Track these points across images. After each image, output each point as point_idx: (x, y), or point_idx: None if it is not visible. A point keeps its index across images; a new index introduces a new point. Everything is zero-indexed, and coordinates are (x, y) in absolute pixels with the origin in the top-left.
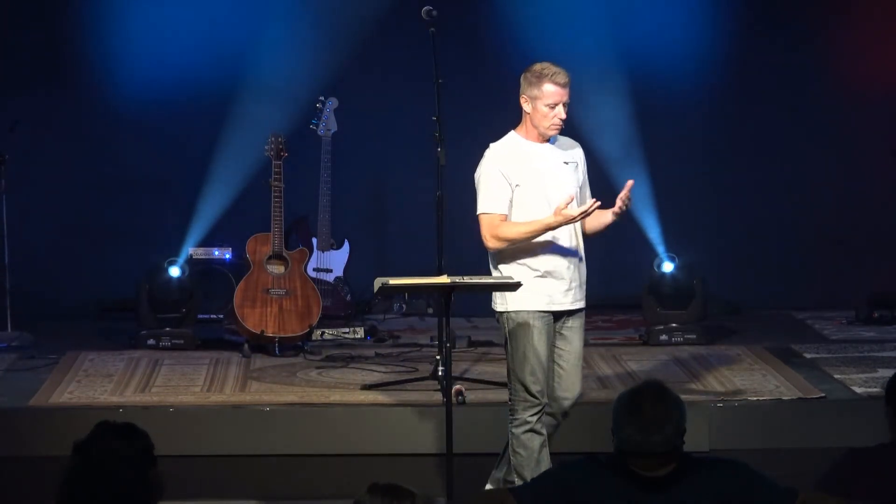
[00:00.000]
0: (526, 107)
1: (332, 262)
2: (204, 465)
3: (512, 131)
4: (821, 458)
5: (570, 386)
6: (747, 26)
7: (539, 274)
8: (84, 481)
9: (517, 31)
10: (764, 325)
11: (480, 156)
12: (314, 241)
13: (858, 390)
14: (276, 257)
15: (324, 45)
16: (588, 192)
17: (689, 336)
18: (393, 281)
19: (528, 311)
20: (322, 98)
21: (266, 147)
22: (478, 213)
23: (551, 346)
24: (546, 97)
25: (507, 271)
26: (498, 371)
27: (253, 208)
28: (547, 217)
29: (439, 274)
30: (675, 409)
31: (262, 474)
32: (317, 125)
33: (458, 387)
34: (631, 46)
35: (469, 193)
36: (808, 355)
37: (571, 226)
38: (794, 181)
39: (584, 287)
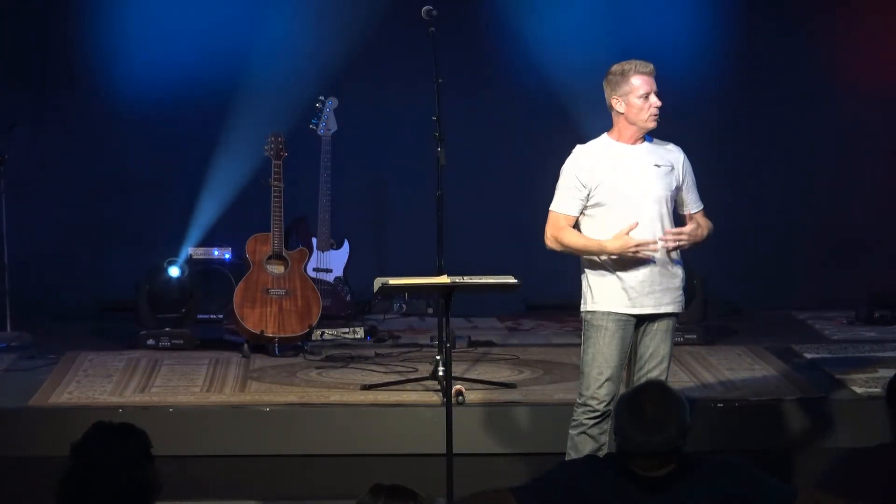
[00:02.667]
0: (619, 107)
1: (332, 262)
2: (204, 465)
3: (605, 133)
4: (821, 458)
5: None
6: (747, 27)
7: (618, 276)
8: (82, 481)
9: (517, 30)
10: (764, 325)
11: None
12: (314, 241)
13: (858, 390)
14: (276, 257)
15: (324, 45)
16: (692, 196)
17: (689, 336)
18: (393, 281)
19: (602, 313)
20: (322, 98)
21: (266, 147)
22: (550, 207)
23: (624, 352)
24: (637, 89)
25: (589, 268)
26: (498, 371)
27: (253, 208)
28: (606, 240)
29: (439, 274)
30: (677, 408)
31: (262, 474)
32: (317, 125)
33: (458, 387)
34: (630, 46)
35: (469, 193)
36: (808, 355)
37: (653, 227)
38: (794, 181)
39: (677, 292)
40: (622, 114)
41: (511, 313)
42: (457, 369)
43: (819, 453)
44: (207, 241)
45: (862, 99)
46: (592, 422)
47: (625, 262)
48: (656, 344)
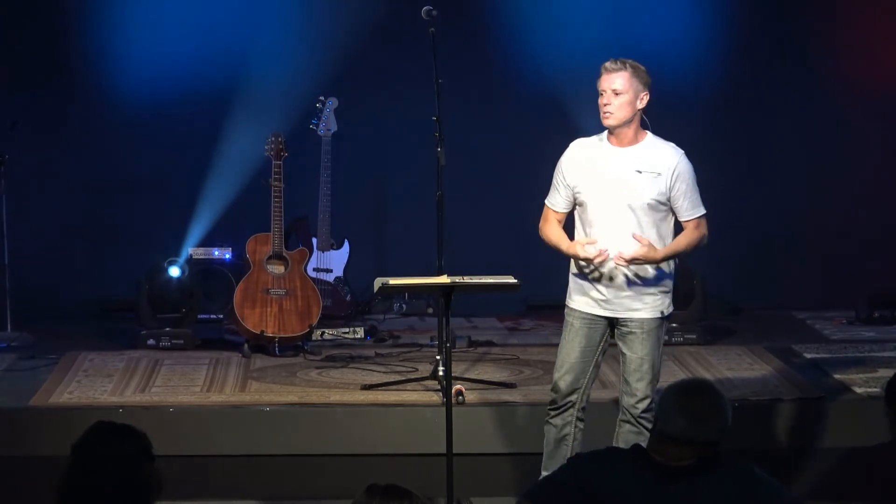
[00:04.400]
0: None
1: (332, 262)
2: (204, 465)
3: (606, 131)
4: (821, 458)
5: (631, 391)
6: (746, 27)
7: (588, 277)
8: (82, 482)
9: (517, 30)
10: (764, 325)
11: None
12: (314, 241)
13: (858, 390)
14: (276, 257)
15: (324, 45)
16: (685, 204)
17: (689, 336)
18: (393, 281)
19: (570, 309)
20: (322, 98)
21: (266, 147)
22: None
23: (588, 350)
24: (599, 88)
25: (572, 264)
26: (498, 371)
27: (253, 208)
28: (568, 243)
29: (439, 274)
30: (724, 407)
31: (262, 474)
32: (317, 125)
33: (458, 387)
34: (630, 46)
35: (469, 193)
36: (808, 355)
37: (624, 235)
38: (794, 181)
39: (655, 297)
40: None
41: (511, 313)
42: (457, 369)
43: (819, 453)
44: (207, 241)
45: (862, 99)
46: (554, 412)
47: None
48: (631, 345)
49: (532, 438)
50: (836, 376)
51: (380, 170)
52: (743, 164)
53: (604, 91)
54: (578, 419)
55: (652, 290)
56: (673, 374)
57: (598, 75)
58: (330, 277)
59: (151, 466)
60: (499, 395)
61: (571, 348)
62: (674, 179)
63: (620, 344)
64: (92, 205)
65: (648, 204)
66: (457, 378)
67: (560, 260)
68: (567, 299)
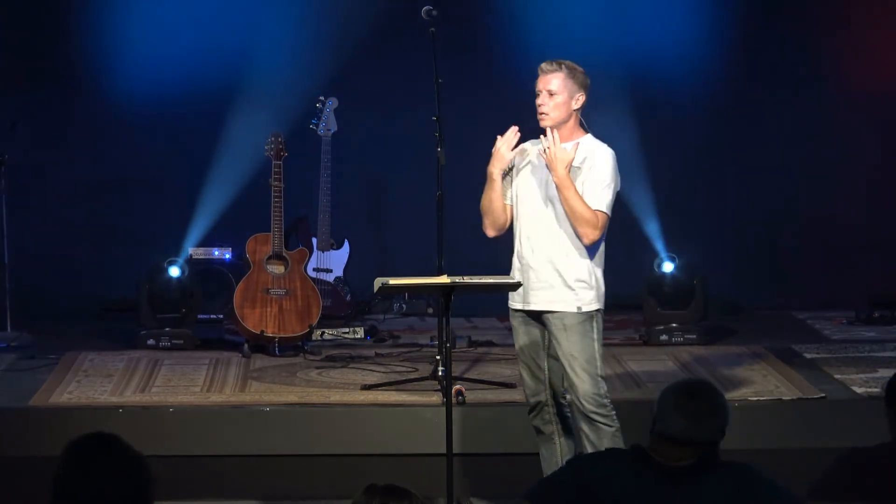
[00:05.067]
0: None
1: (332, 262)
2: (204, 465)
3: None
4: (821, 458)
5: (570, 386)
6: (747, 27)
7: (515, 271)
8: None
9: (517, 31)
10: (764, 325)
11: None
12: (314, 241)
13: (858, 390)
14: (276, 257)
15: (324, 45)
16: (585, 191)
17: (689, 336)
18: (393, 281)
19: (511, 310)
20: (322, 98)
21: (266, 147)
22: None
23: (536, 345)
24: (536, 88)
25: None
26: (498, 371)
27: (253, 208)
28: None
29: (439, 274)
30: (723, 407)
31: (262, 474)
32: (317, 125)
33: (458, 387)
34: (631, 46)
35: (469, 193)
36: (808, 355)
37: (550, 230)
38: (794, 181)
39: (565, 290)
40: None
41: None
42: (457, 369)
43: (819, 453)
44: (207, 241)
45: (862, 99)
46: (533, 414)
47: (519, 255)
48: (553, 341)
49: (532, 438)
50: (836, 376)
51: (380, 170)
52: (743, 163)
53: (539, 92)
54: (558, 415)
55: (562, 281)
56: (673, 375)
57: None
58: (330, 277)
59: (146, 472)
60: (499, 395)
61: (520, 349)
62: (586, 169)
63: (552, 339)
64: (92, 205)
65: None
66: (457, 378)
67: None
68: (509, 300)
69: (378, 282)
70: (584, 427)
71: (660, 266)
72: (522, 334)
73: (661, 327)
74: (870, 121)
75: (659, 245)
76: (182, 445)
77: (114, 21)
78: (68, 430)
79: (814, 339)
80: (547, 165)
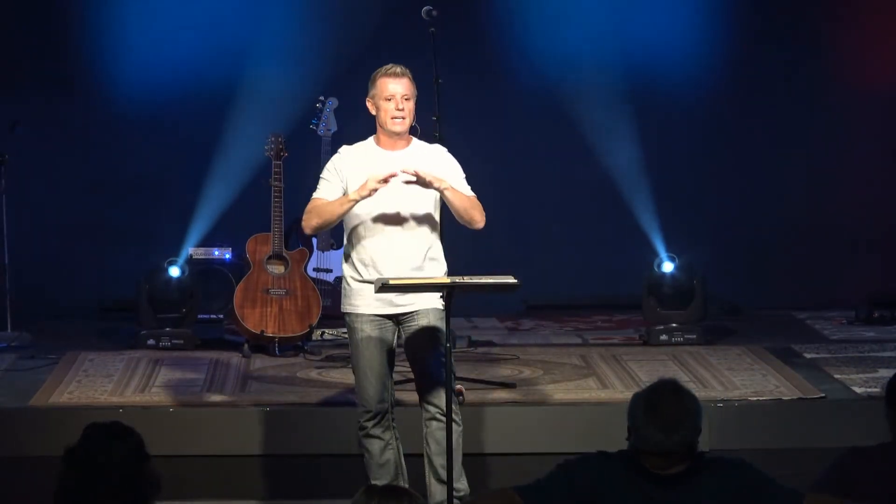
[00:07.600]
0: (372, 110)
1: (332, 262)
2: (204, 465)
3: (370, 137)
4: (821, 458)
5: (432, 394)
6: (747, 27)
7: (363, 277)
8: (78, 485)
9: (517, 31)
10: (764, 325)
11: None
12: (314, 240)
13: (858, 390)
14: (276, 257)
15: (324, 45)
16: (456, 187)
17: (689, 336)
18: (393, 281)
19: (355, 315)
20: (322, 98)
21: (266, 147)
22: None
23: (385, 352)
24: (382, 91)
25: (346, 271)
26: (498, 371)
27: (253, 208)
28: (350, 194)
29: None
30: (692, 407)
31: (262, 474)
32: (317, 125)
33: (458, 387)
34: (631, 46)
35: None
36: (808, 355)
37: (402, 237)
38: (794, 181)
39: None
40: (375, 117)
41: (511, 313)
42: (457, 369)
43: (819, 453)
44: (207, 241)
45: (862, 99)
46: (371, 423)
47: (366, 261)
48: (416, 342)
49: (532, 438)
50: (836, 376)
51: None
52: (743, 164)
53: (393, 96)
54: (393, 422)
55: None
56: (673, 374)
57: (372, 80)
58: (330, 277)
59: (148, 465)
60: (499, 395)
61: (371, 355)
62: (443, 171)
63: (406, 343)
64: (92, 205)
65: (425, 201)
66: (457, 378)
67: (560, 260)
68: (345, 307)
69: (378, 281)
70: (437, 426)
71: (660, 266)
72: (372, 341)
73: (661, 327)
74: (870, 121)
75: (659, 245)
76: (182, 445)
77: (114, 21)
78: (68, 430)
79: (814, 339)
80: (426, 185)
